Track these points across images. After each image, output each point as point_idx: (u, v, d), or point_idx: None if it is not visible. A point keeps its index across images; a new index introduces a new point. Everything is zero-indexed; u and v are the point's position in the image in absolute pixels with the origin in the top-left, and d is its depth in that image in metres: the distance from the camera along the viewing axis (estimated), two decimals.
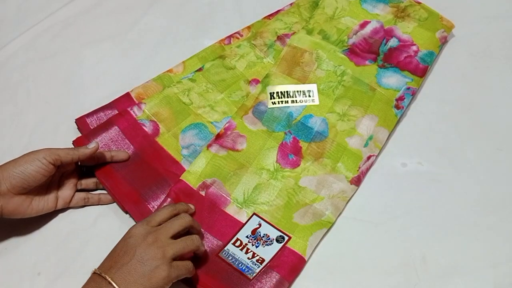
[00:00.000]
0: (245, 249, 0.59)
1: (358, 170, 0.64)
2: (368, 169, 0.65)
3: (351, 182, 0.63)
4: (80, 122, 0.68)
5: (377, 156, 0.66)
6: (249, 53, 0.75)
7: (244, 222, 0.61)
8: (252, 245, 0.59)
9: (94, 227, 0.62)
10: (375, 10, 0.77)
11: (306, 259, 0.58)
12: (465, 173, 0.65)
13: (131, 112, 0.68)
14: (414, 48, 0.73)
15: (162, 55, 0.78)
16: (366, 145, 0.66)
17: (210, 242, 0.59)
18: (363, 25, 0.76)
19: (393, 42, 0.74)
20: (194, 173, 0.63)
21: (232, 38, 0.77)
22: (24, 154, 0.57)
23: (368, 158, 0.65)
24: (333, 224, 0.61)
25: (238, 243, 0.59)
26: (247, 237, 0.60)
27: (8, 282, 0.58)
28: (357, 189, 0.64)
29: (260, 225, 0.60)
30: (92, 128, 0.68)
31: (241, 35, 0.78)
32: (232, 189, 0.63)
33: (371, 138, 0.66)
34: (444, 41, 0.75)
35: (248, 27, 0.78)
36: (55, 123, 0.69)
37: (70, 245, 0.61)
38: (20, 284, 0.58)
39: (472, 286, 0.57)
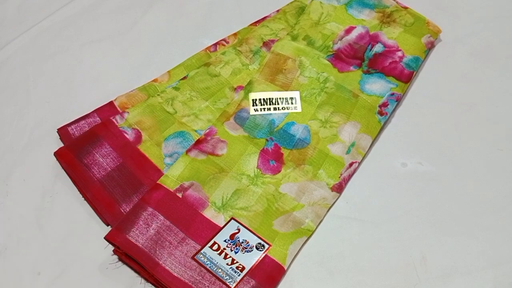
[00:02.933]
0: (223, 254, 0.57)
1: (339, 177, 0.64)
2: (350, 176, 0.65)
3: (332, 189, 0.63)
4: (62, 131, 0.67)
5: (359, 163, 0.66)
6: (234, 59, 0.74)
7: (221, 226, 0.60)
8: (231, 250, 0.58)
9: (94, 227, 0.62)
10: (361, 16, 0.77)
11: (285, 268, 0.57)
12: (465, 173, 0.65)
13: (113, 120, 0.67)
14: (399, 53, 0.73)
15: (162, 55, 0.78)
16: (348, 152, 0.65)
17: (187, 244, 0.58)
18: (348, 31, 0.75)
19: (378, 48, 0.73)
20: (171, 176, 0.62)
21: (218, 45, 0.77)
22: None
23: (350, 165, 0.65)
24: (313, 232, 0.61)
25: (215, 246, 0.58)
26: (225, 241, 0.58)
27: (8, 282, 0.58)
28: (339, 196, 0.63)
29: (239, 230, 0.59)
30: (74, 137, 0.67)
31: (227, 42, 0.77)
32: (211, 192, 0.62)
33: (353, 145, 0.66)
34: (430, 46, 0.75)
35: (235, 34, 0.78)
36: (55, 123, 0.69)
37: (70, 245, 0.61)
38: (20, 284, 0.58)
39: (472, 286, 0.57)
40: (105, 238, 0.57)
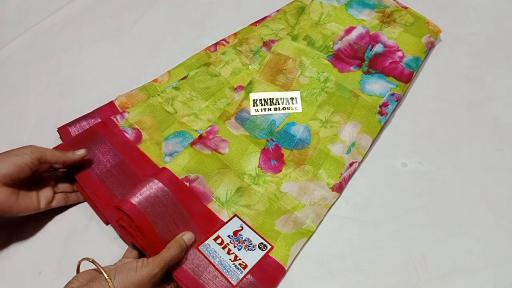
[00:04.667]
0: (226, 249, 0.58)
1: (340, 177, 0.64)
2: (350, 176, 0.65)
3: (333, 189, 0.63)
4: (62, 131, 0.67)
5: (360, 163, 0.66)
6: (235, 59, 0.74)
7: (225, 221, 0.60)
8: (234, 246, 0.58)
9: (94, 227, 0.62)
10: (361, 16, 0.77)
11: (286, 268, 0.58)
12: (465, 173, 0.65)
13: (114, 120, 0.67)
14: (400, 53, 0.73)
15: (162, 55, 0.78)
16: (348, 151, 0.65)
17: (192, 228, 0.58)
18: (348, 31, 0.75)
19: (378, 48, 0.74)
20: (178, 165, 0.62)
21: (218, 45, 0.77)
22: (12, 149, 0.57)
23: (351, 164, 0.65)
24: (313, 232, 0.61)
25: (219, 240, 0.58)
26: (228, 236, 0.59)
27: (9, 281, 0.58)
28: (339, 196, 0.64)
29: (242, 228, 0.60)
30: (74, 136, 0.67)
31: (228, 42, 0.77)
32: (215, 187, 0.62)
33: (354, 145, 0.66)
34: (430, 46, 0.75)
35: (235, 34, 0.78)
36: (55, 123, 0.69)
37: (70, 245, 0.61)
38: (21, 283, 0.58)
39: (472, 286, 0.57)
40: (113, 206, 0.55)
